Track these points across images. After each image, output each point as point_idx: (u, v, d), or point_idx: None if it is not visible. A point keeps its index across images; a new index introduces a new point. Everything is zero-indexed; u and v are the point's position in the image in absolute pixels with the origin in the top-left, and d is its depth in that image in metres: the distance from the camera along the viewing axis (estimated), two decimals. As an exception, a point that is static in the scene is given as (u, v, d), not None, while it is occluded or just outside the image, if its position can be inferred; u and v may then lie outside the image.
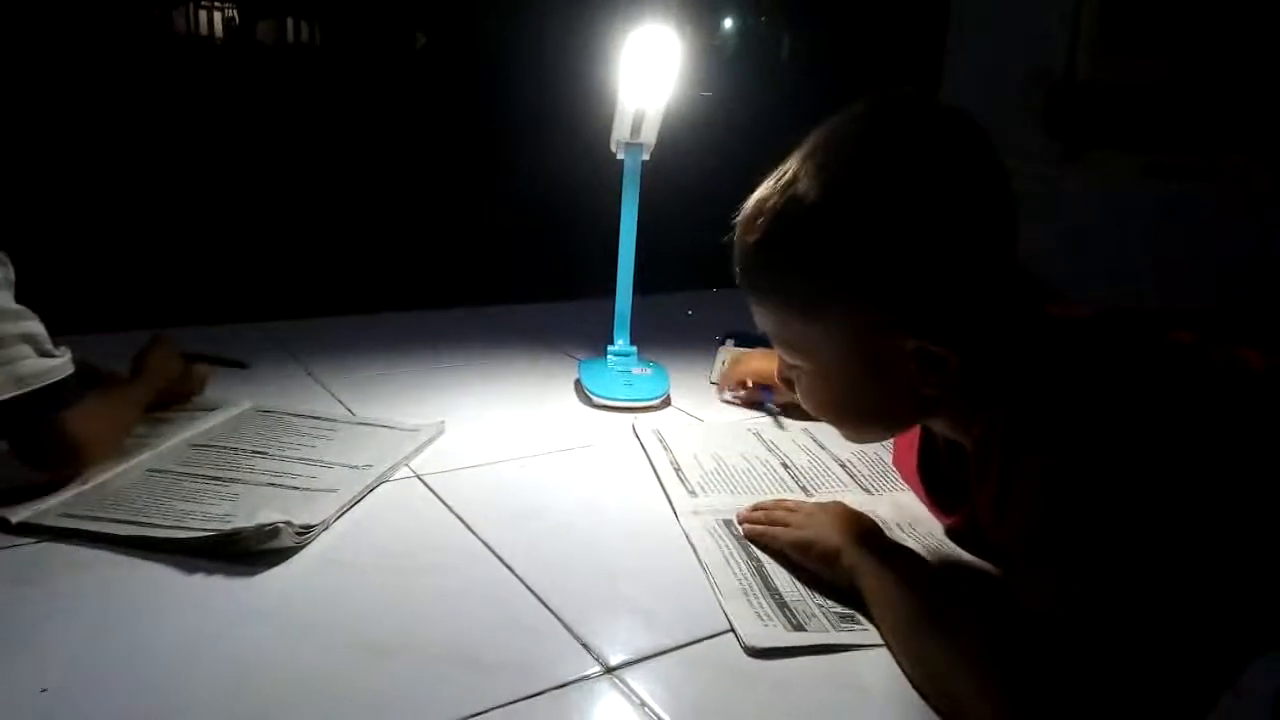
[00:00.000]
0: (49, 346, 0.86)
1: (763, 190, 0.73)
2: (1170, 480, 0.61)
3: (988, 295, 0.70)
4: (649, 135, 1.21)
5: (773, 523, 0.85)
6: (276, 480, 0.95)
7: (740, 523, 0.88)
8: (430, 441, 1.09)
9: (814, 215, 0.69)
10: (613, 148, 1.24)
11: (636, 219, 1.26)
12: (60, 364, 0.86)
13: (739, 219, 0.75)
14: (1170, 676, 0.57)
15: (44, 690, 0.61)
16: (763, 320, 0.77)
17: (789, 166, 0.72)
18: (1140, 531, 0.60)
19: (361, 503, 0.92)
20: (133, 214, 2.13)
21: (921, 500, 0.92)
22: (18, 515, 0.83)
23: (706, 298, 1.80)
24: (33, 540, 0.81)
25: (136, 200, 2.14)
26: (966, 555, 0.85)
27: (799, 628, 0.72)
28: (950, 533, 0.87)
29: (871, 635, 0.71)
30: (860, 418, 0.80)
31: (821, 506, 0.85)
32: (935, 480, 0.88)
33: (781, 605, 0.76)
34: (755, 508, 0.90)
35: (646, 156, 1.24)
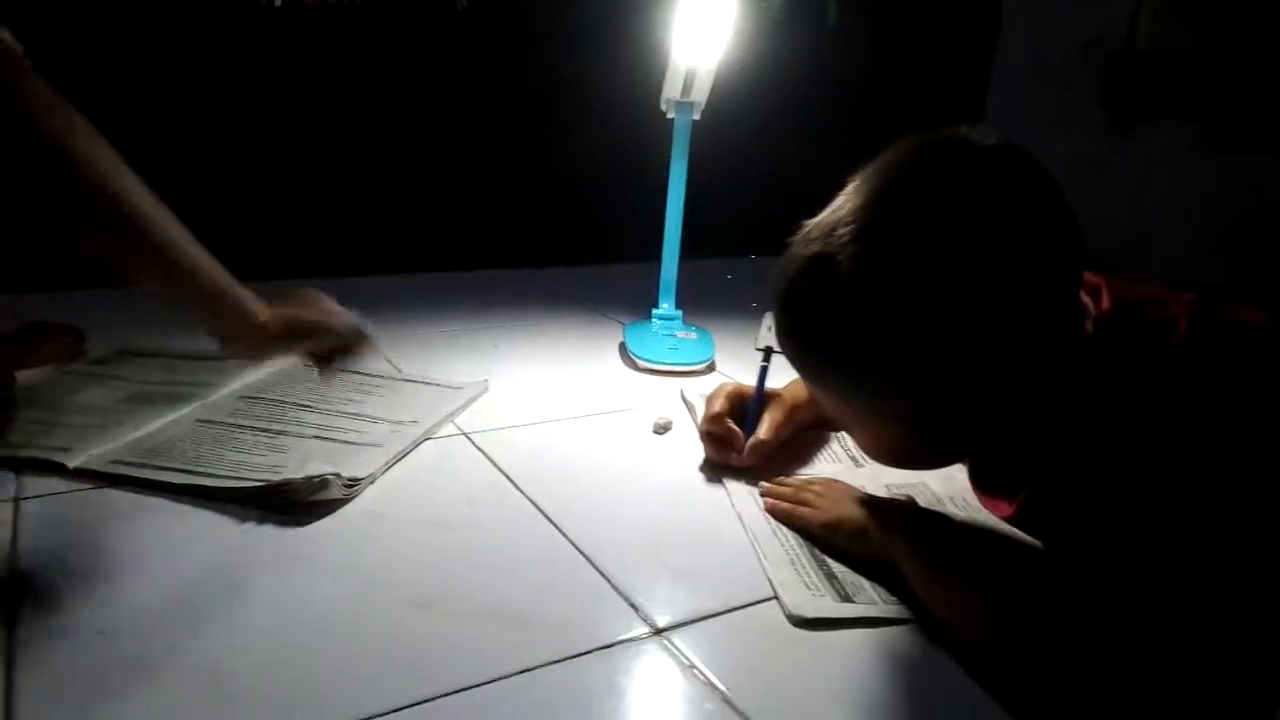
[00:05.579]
0: None
1: (802, 247, 0.67)
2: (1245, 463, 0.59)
3: (1040, 367, 0.65)
4: (700, 94, 1.19)
5: (800, 503, 0.84)
6: (324, 434, 0.96)
7: (764, 495, 0.88)
8: (474, 400, 1.10)
9: (849, 299, 0.63)
10: (663, 107, 1.22)
11: (685, 180, 1.24)
12: None
13: (780, 267, 0.69)
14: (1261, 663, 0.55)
15: (100, 632, 0.62)
16: (794, 364, 0.73)
17: (829, 221, 0.65)
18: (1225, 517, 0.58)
19: (407, 458, 0.93)
20: (184, 172, 2.14)
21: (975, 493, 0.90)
22: (74, 460, 0.84)
23: (748, 264, 1.78)
24: (90, 486, 0.82)
25: (187, 159, 2.15)
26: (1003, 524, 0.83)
27: (847, 599, 0.72)
28: (1009, 521, 0.85)
29: (917, 609, 0.70)
30: (911, 465, 0.79)
31: (847, 486, 0.85)
32: (984, 473, 0.86)
33: (830, 576, 0.75)
34: (779, 482, 0.89)
35: (697, 116, 1.21)
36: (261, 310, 0.78)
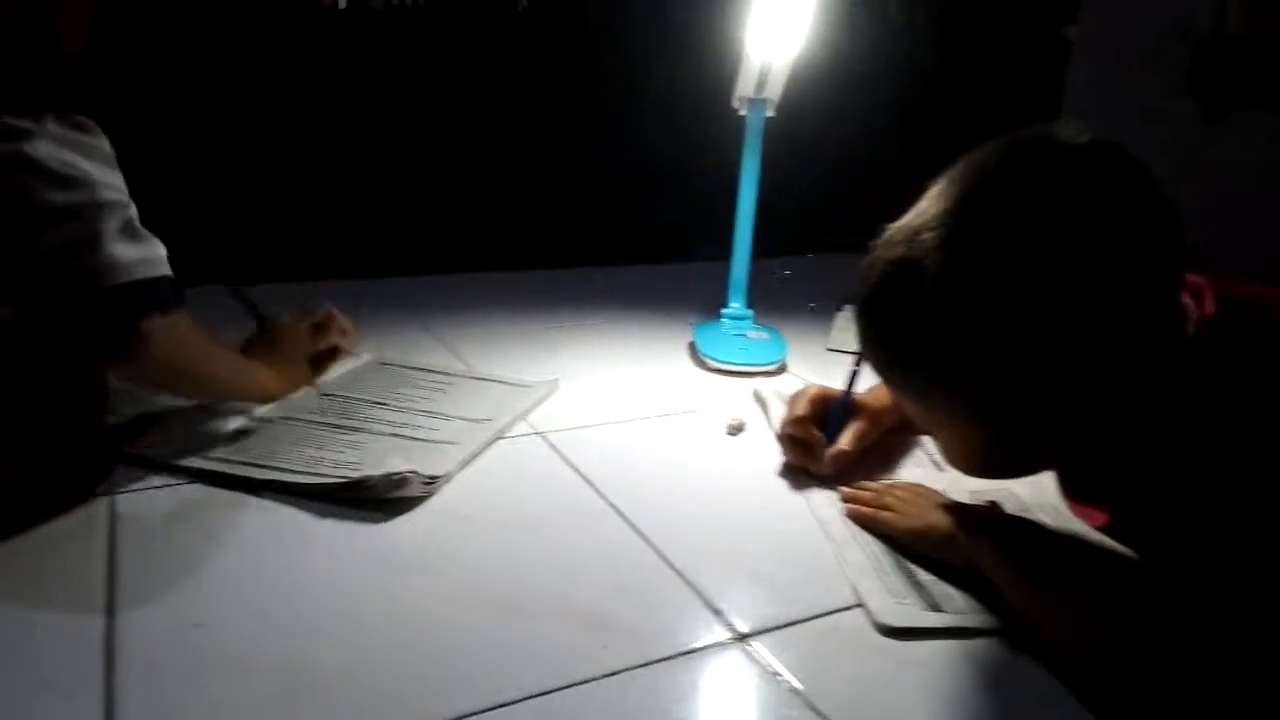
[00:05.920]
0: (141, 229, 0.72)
1: (885, 251, 0.65)
2: None
3: (1137, 374, 0.63)
4: (774, 90, 1.17)
5: (882, 508, 0.82)
6: (399, 431, 0.97)
7: (844, 500, 0.86)
8: (545, 398, 1.10)
9: (936, 305, 0.62)
10: (735, 104, 1.20)
11: (758, 178, 1.22)
12: (157, 256, 0.72)
13: (862, 272, 0.67)
14: None
15: (196, 626, 0.63)
16: (878, 371, 0.72)
17: (914, 225, 0.64)
18: None
19: (482, 457, 0.93)
20: (255, 173, 2.20)
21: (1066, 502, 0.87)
22: (163, 456, 0.86)
23: (805, 263, 1.75)
24: (179, 481, 0.84)
25: (260, 160, 2.21)
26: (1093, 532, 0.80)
27: (935, 608, 0.70)
28: (1102, 530, 0.82)
29: (1007, 619, 0.68)
30: (997, 473, 0.77)
31: (930, 491, 0.83)
32: (1076, 481, 0.83)
33: (915, 584, 0.73)
34: (861, 487, 0.87)
35: (771, 113, 1.20)
36: (268, 379, 0.94)
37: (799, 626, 0.68)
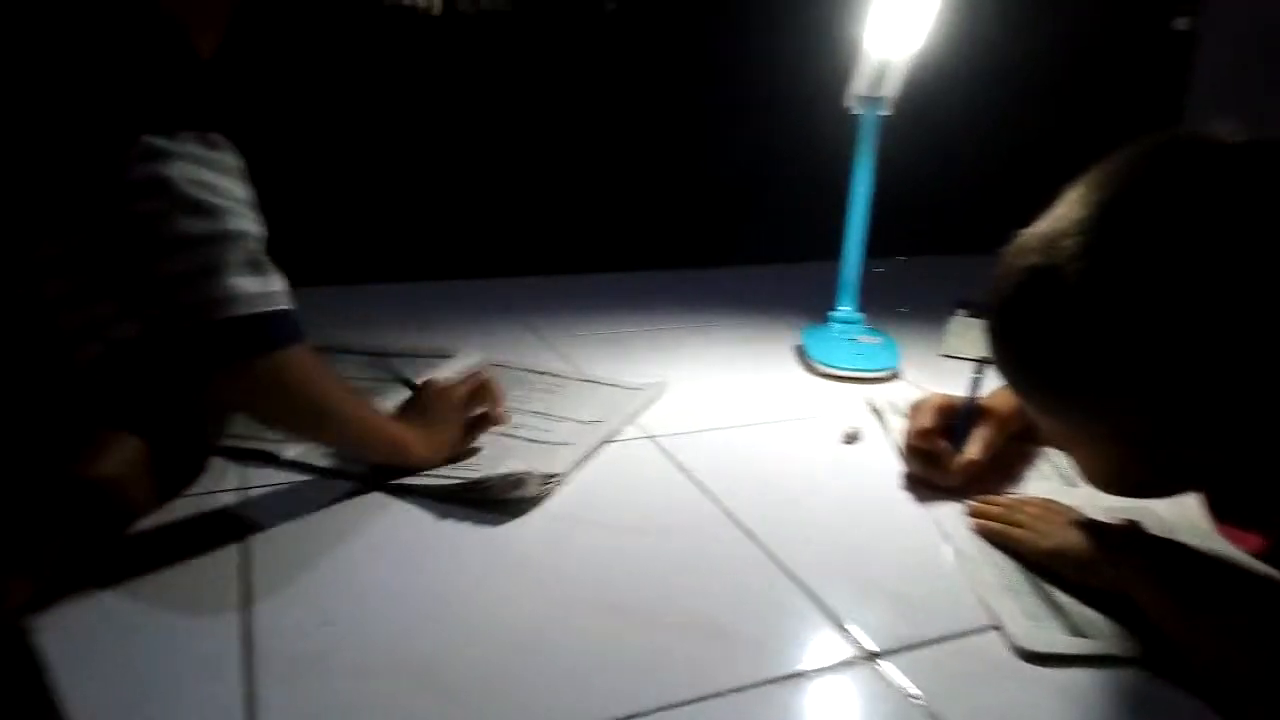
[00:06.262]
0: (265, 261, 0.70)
1: (1018, 259, 0.62)
2: None
3: None
4: (891, 88, 1.14)
5: (1014, 524, 0.78)
6: (512, 432, 0.97)
7: (972, 515, 0.82)
8: (653, 401, 1.09)
9: (1077, 316, 0.58)
10: (847, 102, 1.17)
11: (872, 179, 1.19)
12: (277, 289, 0.69)
13: (994, 281, 0.64)
14: None
15: (326, 623, 0.65)
16: (1012, 385, 0.68)
17: (1051, 231, 0.60)
18: None
19: (593, 460, 0.93)
20: (357, 177, 2.26)
21: (1213, 523, 0.81)
22: (288, 452, 0.89)
23: (896, 265, 1.70)
24: (305, 477, 0.86)
25: (362, 163, 2.27)
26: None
27: (1078, 633, 0.66)
28: (1257, 555, 0.77)
29: (1158, 647, 0.64)
30: (1138, 492, 0.71)
31: (1065, 508, 0.78)
32: (1228, 502, 0.77)
33: (1055, 606, 0.69)
34: (989, 501, 0.83)
35: (887, 111, 1.16)
36: (412, 439, 0.85)
37: (931, 647, 0.65)
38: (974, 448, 0.88)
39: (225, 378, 0.67)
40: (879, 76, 1.12)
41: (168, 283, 0.64)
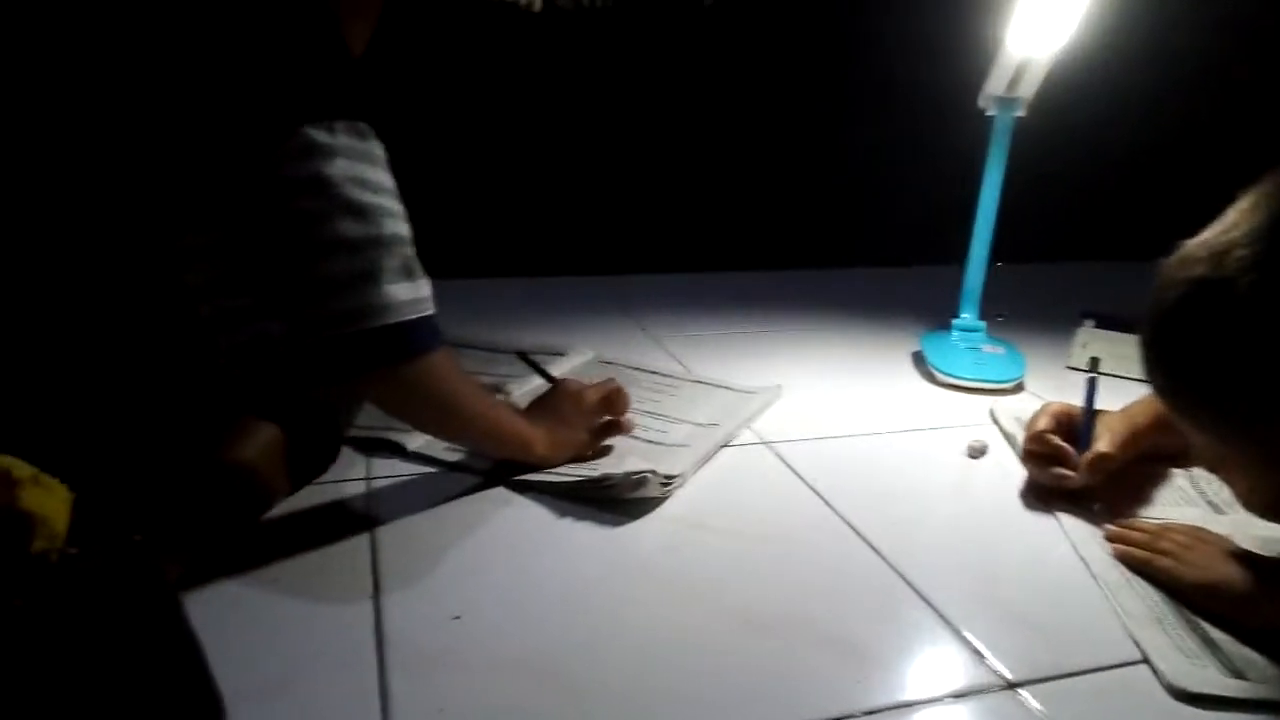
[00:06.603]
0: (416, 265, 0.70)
1: (1181, 271, 0.59)
2: None
3: None
4: (1029, 89, 1.09)
5: (1160, 552, 0.73)
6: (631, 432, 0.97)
7: (1111, 540, 0.77)
8: (768, 405, 1.07)
9: (1248, 331, 0.55)
10: (981, 103, 1.13)
11: (1001, 183, 1.14)
12: (425, 295, 0.70)
13: (1153, 293, 0.61)
14: None
15: (455, 617, 0.65)
16: (1167, 401, 0.64)
17: (1218, 243, 0.57)
18: None
19: (710, 464, 0.91)
20: (470, 172, 2.30)
21: None
22: (413, 444, 0.90)
23: (1059, 270, 1.63)
24: (429, 469, 0.87)
25: (474, 159, 2.31)
26: None
27: (1238, 674, 0.62)
28: None
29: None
30: None
31: (1218, 537, 0.73)
32: None
33: (1209, 643, 0.65)
34: (1130, 526, 0.78)
35: (1022, 112, 1.11)
36: (536, 437, 0.84)
37: (1076, 679, 0.62)
38: (1101, 442, 0.83)
39: (370, 380, 0.69)
40: (1017, 76, 1.08)
41: (323, 284, 0.64)
